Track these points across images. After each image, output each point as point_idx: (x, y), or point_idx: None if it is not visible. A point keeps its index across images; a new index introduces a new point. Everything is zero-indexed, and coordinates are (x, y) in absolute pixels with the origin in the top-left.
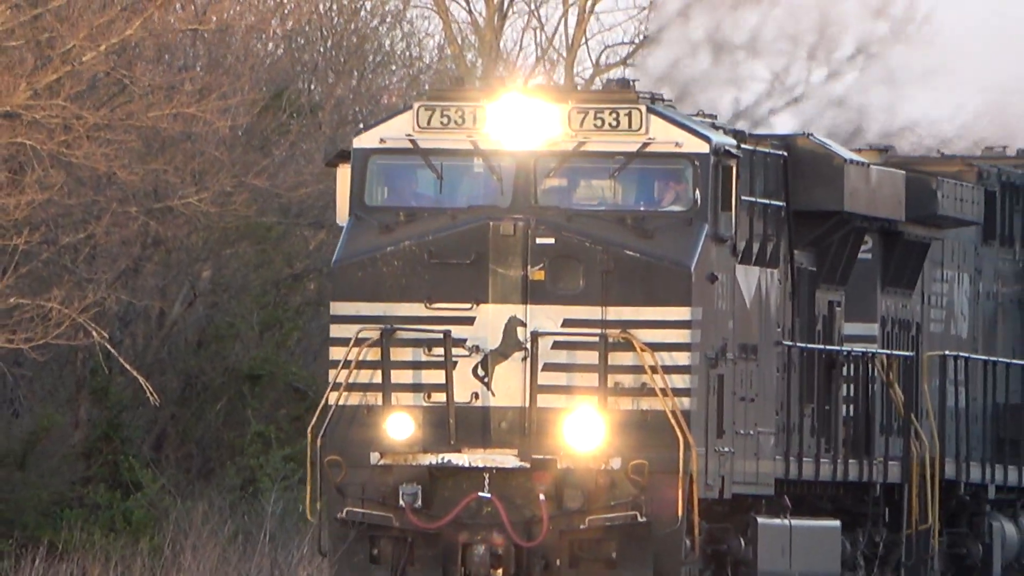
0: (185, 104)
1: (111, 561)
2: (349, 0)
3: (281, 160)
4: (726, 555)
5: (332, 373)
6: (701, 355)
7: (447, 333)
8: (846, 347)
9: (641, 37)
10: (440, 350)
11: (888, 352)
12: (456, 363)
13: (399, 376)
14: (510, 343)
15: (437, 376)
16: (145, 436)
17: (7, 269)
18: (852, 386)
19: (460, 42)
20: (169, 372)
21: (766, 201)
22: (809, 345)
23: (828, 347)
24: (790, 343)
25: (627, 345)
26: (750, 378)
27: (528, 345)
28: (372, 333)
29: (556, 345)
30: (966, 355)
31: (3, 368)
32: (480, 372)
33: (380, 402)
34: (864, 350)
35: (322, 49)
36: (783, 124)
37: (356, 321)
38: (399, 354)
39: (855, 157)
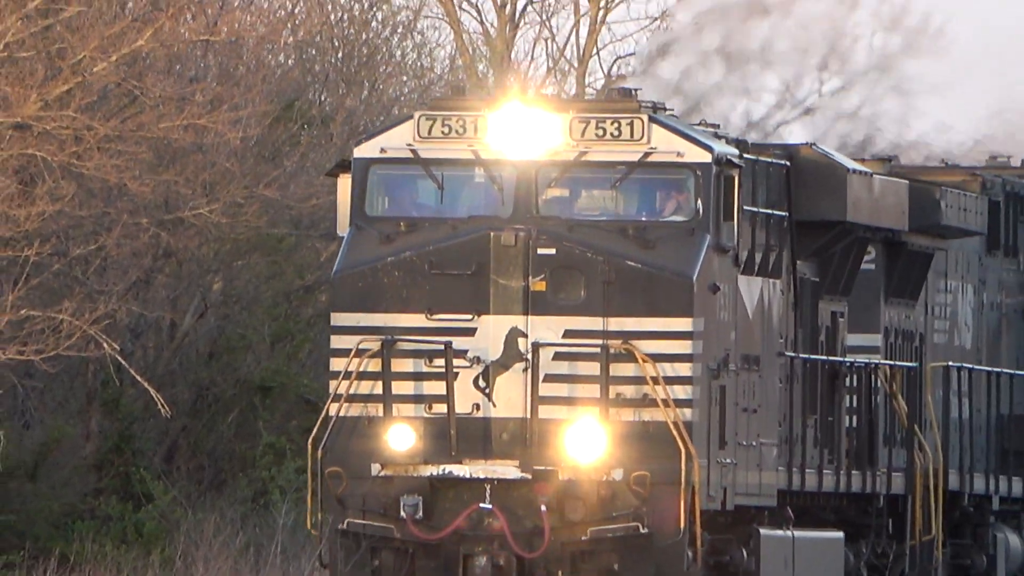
0: (196, 115)
1: (122, 573)
2: (360, 11)
3: (292, 171)
4: (728, 567)
5: (333, 384)
6: (703, 366)
7: (448, 344)
8: (849, 358)
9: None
10: (441, 361)
11: (891, 363)
12: (457, 374)
13: (400, 387)
14: (511, 354)
15: (438, 387)
16: (156, 448)
17: (18, 281)
18: (855, 397)
19: (471, 52)
20: (180, 384)
21: (769, 211)
22: (812, 356)
23: (831, 358)
24: (793, 354)
25: (629, 356)
26: (752, 389)
27: (529, 356)
28: (373, 344)
29: (557, 356)
30: (970, 366)
31: (14, 380)
32: (481, 383)
33: (381, 413)
34: (867, 361)
35: (333, 60)
36: (794, 136)
37: (357, 332)
38: (400, 365)
39: (858, 167)
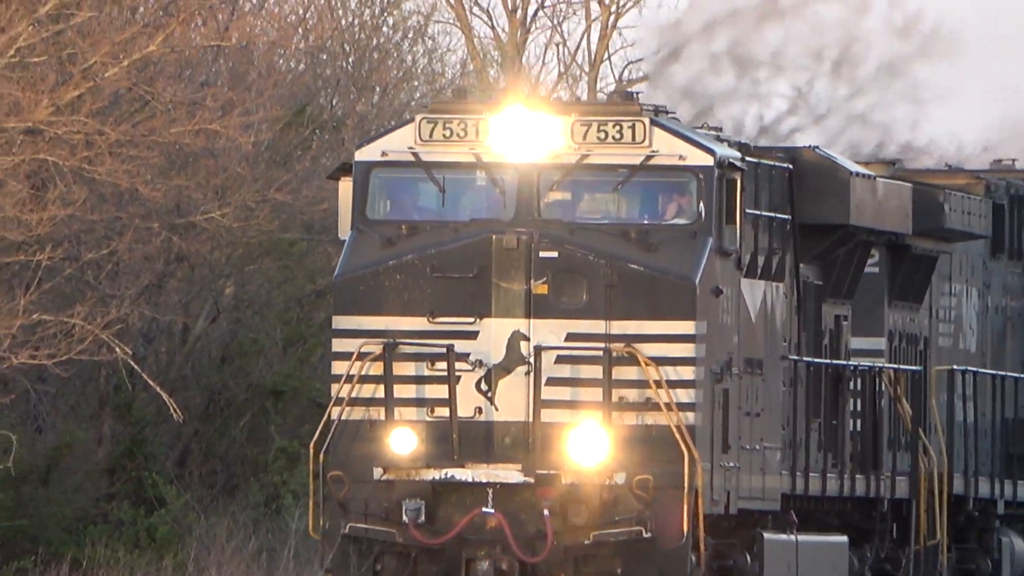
0: (207, 120)
1: None
2: (371, 16)
3: (303, 176)
4: (732, 571)
5: (334, 388)
6: (706, 369)
7: (450, 347)
8: (853, 361)
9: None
10: (443, 364)
11: (896, 367)
12: (459, 377)
13: (402, 391)
14: (513, 357)
15: (440, 391)
16: (169, 452)
17: (30, 285)
18: (859, 401)
19: (482, 57)
20: (192, 388)
21: (771, 214)
22: (816, 360)
23: (835, 361)
24: (796, 357)
25: (631, 359)
26: (756, 393)
27: (531, 359)
28: (374, 347)
29: (560, 359)
30: (974, 370)
31: (27, 384)
32: (483, 387)
33: (383, 417)
34: (871, 364)
35: (344, 65)
36: (805, 140)
37: (358, 335)
38: (402, 368)
39: (861, 170)
